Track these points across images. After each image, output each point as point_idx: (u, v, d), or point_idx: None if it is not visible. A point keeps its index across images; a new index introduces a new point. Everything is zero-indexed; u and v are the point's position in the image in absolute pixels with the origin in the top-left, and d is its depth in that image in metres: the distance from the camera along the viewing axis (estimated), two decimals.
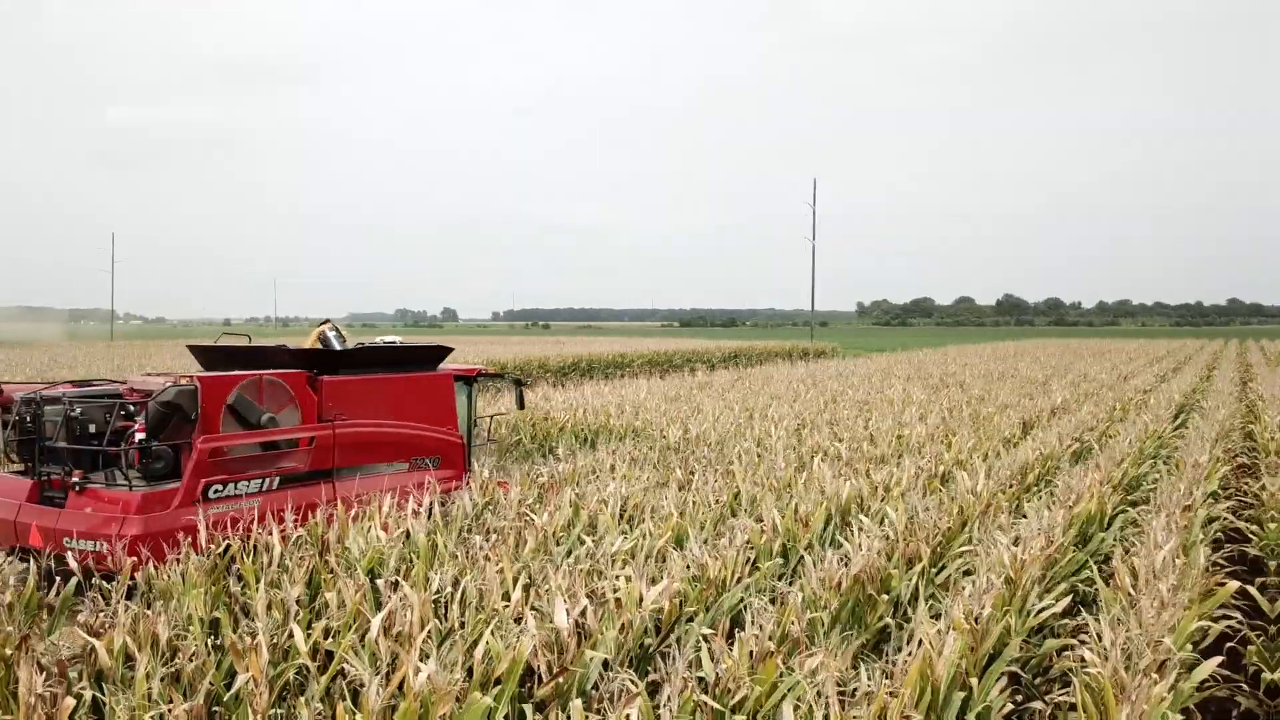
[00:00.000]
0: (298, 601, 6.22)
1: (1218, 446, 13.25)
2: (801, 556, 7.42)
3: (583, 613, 5.68)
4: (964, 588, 6.16)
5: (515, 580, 6.57)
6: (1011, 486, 10.35)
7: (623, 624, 5.65)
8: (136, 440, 8.02)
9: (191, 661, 5.19)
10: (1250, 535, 9.48)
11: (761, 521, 8.15)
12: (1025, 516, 8.85)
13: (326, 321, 10.32)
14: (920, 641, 4.97)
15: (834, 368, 32.98)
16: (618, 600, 5.90)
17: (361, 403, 9.33)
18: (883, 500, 9.37)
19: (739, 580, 6.95)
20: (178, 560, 6.79)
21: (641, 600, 5.83)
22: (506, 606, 5.98)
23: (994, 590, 5.98)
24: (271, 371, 8.79)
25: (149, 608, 6.15)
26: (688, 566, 6.76)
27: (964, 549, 7.81)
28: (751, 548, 7.47)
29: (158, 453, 8.00)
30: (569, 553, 7.67)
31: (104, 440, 8.11)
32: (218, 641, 5.75)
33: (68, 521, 7.66)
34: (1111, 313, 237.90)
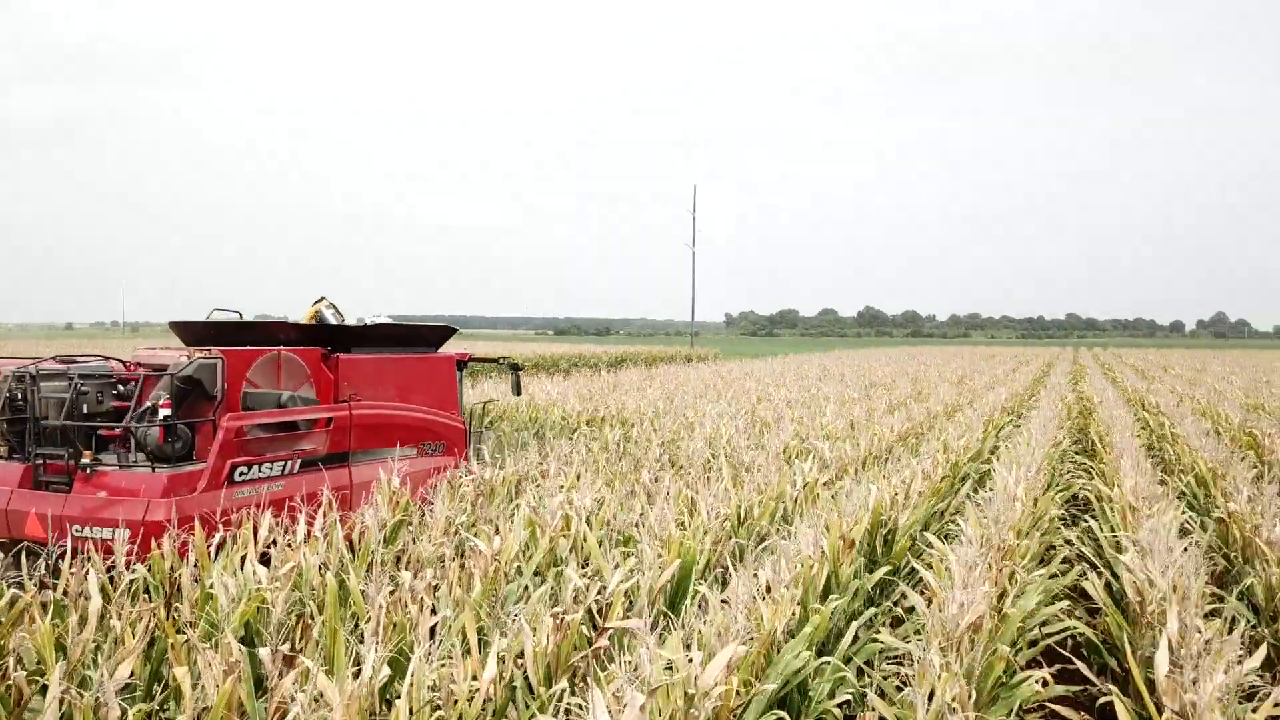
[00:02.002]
0: (129, 687, 3.80)
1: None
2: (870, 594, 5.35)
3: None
4: None
5: (480, 645, 4.29)
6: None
7: None
8: (161, 417, 7.05)
9: None
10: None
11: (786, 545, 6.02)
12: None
13: (322, 299, 9.46)
14: None
15: (738, 369, 31.31)
16: (658, 688, 3.65)
17: (374, 383, 8.78)
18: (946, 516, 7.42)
19: (790, 634, 4.89)
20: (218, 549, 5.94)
21: (694, 692, 3.62)
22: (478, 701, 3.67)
23: None
24: (289, 348, 8.16)
25: None
26: (731, 615, 4.58)
27: None
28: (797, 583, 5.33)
29: (178, 432, 7.18)
30: (550, 595, 5.38)
31: (104, 419, 7.33)
32: None
33: (76, 508, 6.83)
34: (963, 325, 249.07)
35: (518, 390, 11.76)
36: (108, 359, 7.99)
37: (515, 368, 11.86)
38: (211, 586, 5.02)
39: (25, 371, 7.25)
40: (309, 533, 6.20)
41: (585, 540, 6.22)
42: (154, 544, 5.91)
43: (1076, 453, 13.74)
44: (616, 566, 5.26)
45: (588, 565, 6.60)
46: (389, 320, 9.80)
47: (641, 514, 7.11)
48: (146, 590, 5.48)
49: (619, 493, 7.91)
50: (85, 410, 7.24)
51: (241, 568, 5.45)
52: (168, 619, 4.84)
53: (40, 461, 7.20)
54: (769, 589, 5.15)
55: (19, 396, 7.27)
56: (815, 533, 5.91)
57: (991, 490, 10.68)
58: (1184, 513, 7.91)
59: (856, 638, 5.59)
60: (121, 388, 7.55)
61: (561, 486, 8.02)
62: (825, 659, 4.89)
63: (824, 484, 8.74)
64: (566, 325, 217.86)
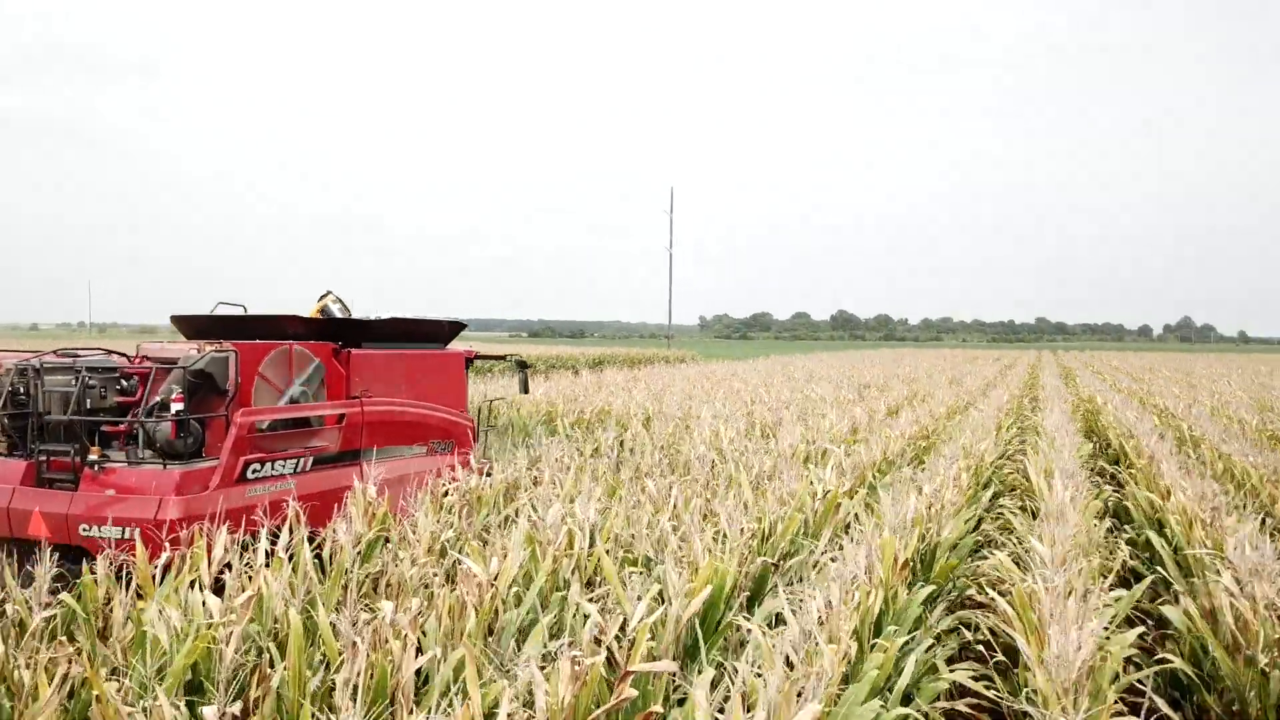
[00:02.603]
0: None
1: None
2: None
3: None
4: None
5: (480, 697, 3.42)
6: None
7: None
8: (173, 411, 6.84)
9: None
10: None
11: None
12: None
13: (328, 294, 9.20)
14: None
15: (722, 370, 30.54)
16: None
17: (385, 379, 8.52)
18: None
19: (847, 677, 4.08)
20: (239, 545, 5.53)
21: None
22: None
23: None
24: (300, 342, 7.93)
25: None
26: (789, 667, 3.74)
27: None
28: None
29: (189, 428, 6.96)
30: (552, 631, 4.53)
31: (109, 415, 7.15)
32: None
33: (83, 506, 6.51)
34: (935, 329, 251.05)
35: (525, 388, 11.27)
36: (110, 352, 7.84)
37: (523, 365, 11.40)
38: (150, 623, 4.12)
39: (28, 365, 7.01)
40: (272, 551, 5.32)
41: (597, 562, 5.36)
42: (165, 545, 5.81)
43: (1097, 457, 13.05)
44: (639, 598, 4.39)
45: (594, 587, 5.77)
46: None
47: (652, 527, 6.27)
48: (70, 630, 4.57)
49: (625, 503, 7.06)
50: (90, 405, 6.99)
51: (191, 593, 4.58)
52: (95, 665, 3.93)
53: (44, 458, 6.90)
54: (821, 620, 4.31)
55: (21, 391, 7.04)
56: (864, 550, 5.08)
57: (1014, 498, 9.94)
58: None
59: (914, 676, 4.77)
60: (126, 382, 7.37)
61: (557, 495, 7.16)
62: (903, 711, 4.05)
63: (845, 493, 7.92)
64: (540, 328, 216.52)
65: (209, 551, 5.28)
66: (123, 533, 6.29)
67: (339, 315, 9.17)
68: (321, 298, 9.35)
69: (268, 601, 4.55)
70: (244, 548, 5.51)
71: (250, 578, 4.83)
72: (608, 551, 5.88)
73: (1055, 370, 39.32)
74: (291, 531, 5.61)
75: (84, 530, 6.44)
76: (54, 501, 6.66)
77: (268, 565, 5.06)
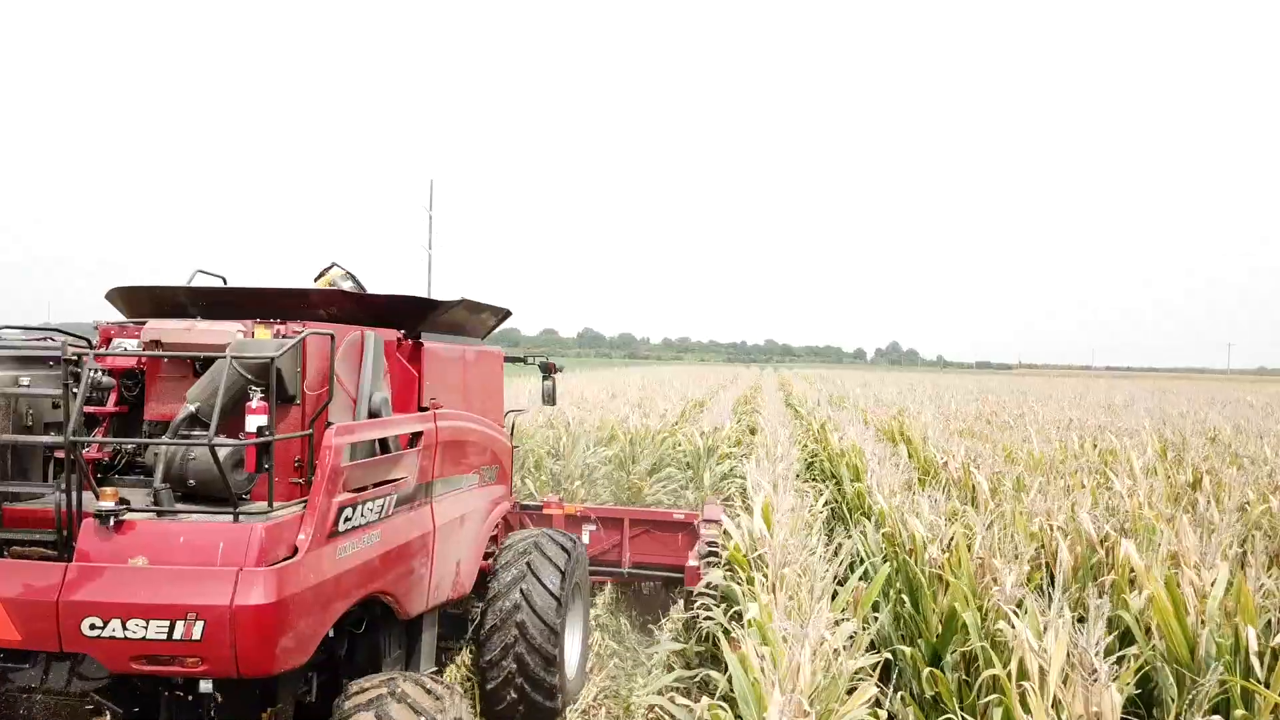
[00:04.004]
0: None
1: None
2: None
3: None
4: None
5: None
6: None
7: None
8: (254, 428, 4.36)
9: None
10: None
11: None
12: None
13: (333, 265, 6.61)
14: None
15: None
16: None
17: (448, 383, 6.21)
18: None
19: None
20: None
21: None
22: None
23: None
24: (364, 327, 5.31)
25: None
26: None
27: None
28: None
29: (240, 453, 4.42)
30: None
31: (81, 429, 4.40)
32: None
33: (92, 587, 3.99)
34: (675, 348, 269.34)
35: (551, 399, 8.92)
36: (55, 333, 5.20)
37: (549, 368, 8.82)
38: None
39: None
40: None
41: None
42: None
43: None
44: None
45: None
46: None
47: None
48: None
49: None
50: (43, 421, 4.71)
51: None
52: None
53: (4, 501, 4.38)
54: None
55: None
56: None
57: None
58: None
59: None
60: (107, 379, 5.02)
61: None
62: None
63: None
64: None
65: None
66: (170, 632, 3.92)
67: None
68: (325, 270, 6.65)
69: None
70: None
71: None
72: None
73: (775, 379, 50.96)
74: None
75: (92, 630, 3.95)
76: (26, 580, 4.05)
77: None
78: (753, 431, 18.16)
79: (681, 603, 8.69)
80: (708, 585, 7.38)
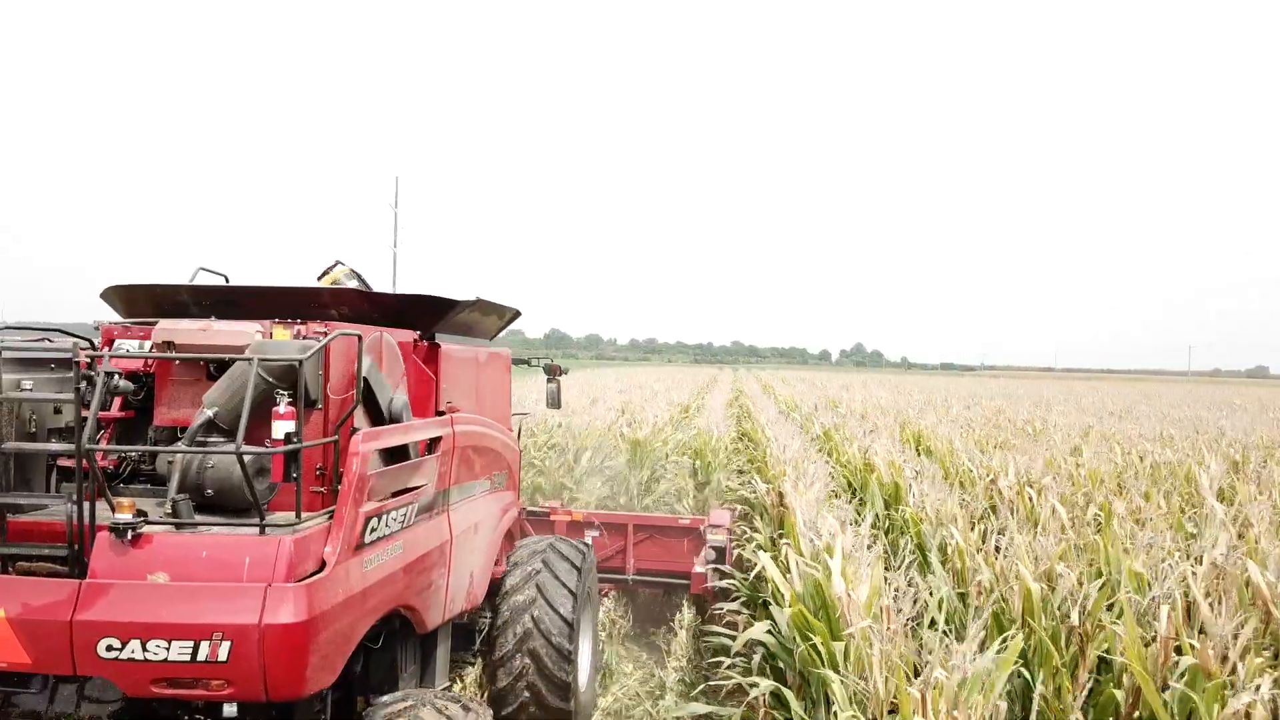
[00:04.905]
0: None
1: None
2: None
3: None
4: None
5: None
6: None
7: None
8: (281, 434, 4.15)
9: None
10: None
11: None
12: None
13: (338, 263, 6.30)
14: None
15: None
16: None
17: (463, 386, 5.99)
18: None
19: None
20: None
21: None
22: None
23: None
24: (377, 327, 5.10)
25: None
26: None
27: None
28: None
29: (263, 461, 4.23)
30: None
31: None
32: None
33: (110, 606, 3.78)
34: (642, 349, 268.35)
35: (556, 402, 8.46)
36: (56, 333, 5.05)
37: (553, 370, 8.41)
38: None
39: None
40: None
41: None
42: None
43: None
44: None
45: None
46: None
47: None
48: None
49: None
50: (60, 424, 4.60)
51: None
52: None
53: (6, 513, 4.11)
54: None
55: None
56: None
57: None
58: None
59: None
60: (122, 382, 4.74)
61: None
62: None
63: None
64: None
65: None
66: (194, 653, 3.72)
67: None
68: (330, 268, 6.37)
69: None
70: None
71: None
72: None
73: (756, 382, 49.77)
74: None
75: (109, 651, 3.74)
76: (34, 598, 3.83)
77: None
78: (750, 439, 16.96)
79: (687, 610, 8.86)
80: (749, 643, 6.26)
